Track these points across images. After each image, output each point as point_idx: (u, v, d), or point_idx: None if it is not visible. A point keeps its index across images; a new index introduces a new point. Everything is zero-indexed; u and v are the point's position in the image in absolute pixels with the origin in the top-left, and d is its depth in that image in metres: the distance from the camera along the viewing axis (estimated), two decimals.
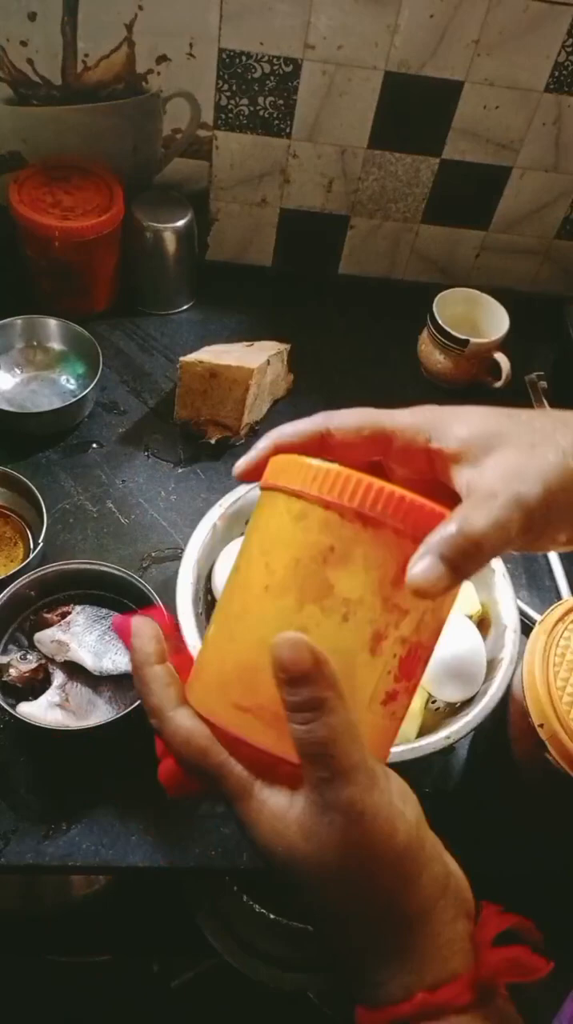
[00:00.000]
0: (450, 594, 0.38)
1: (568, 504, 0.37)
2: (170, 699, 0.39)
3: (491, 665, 0.71)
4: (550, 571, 0.91)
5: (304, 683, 0.34)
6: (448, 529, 0.35)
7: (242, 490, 0.77)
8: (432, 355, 1.03)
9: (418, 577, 0.34)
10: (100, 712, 0.69)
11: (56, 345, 0.96)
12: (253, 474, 0.42)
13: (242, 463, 0.42)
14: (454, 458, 0.38)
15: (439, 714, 0.72)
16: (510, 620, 0.73)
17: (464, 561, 0.34)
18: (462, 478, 0.38)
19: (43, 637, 0.71)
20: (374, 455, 0.41)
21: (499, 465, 0.37)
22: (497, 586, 0.75)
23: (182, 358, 0.90)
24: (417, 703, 0.69)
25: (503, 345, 1.01)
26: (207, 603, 0.74)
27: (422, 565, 0.34)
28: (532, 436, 0.38)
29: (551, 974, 0.37)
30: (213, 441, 0.92)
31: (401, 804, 0.36)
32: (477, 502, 0.36)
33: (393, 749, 0.65)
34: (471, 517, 0.35)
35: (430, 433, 0.39)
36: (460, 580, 0.35)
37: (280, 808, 0.36)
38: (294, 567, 0.36)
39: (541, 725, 0.67)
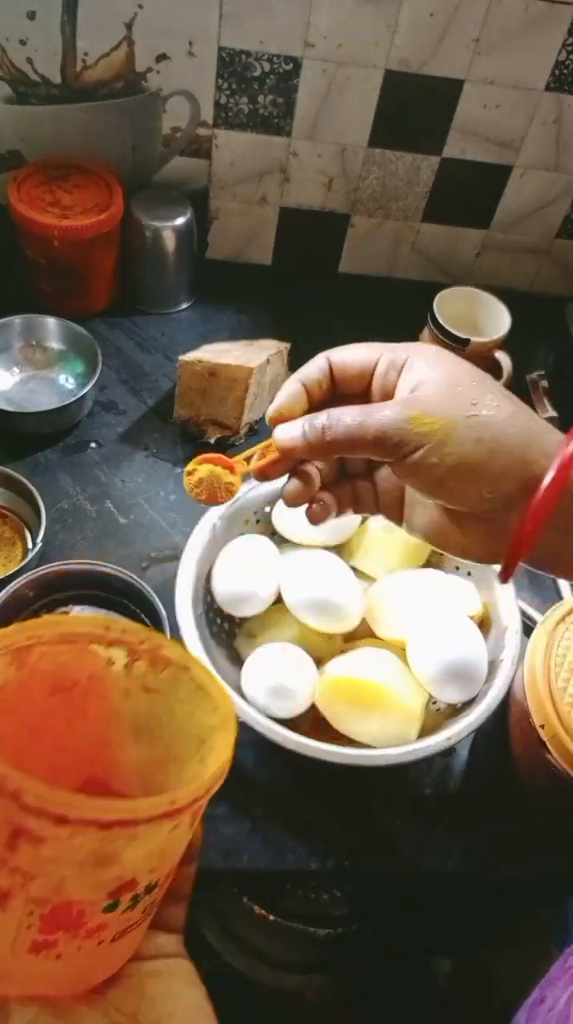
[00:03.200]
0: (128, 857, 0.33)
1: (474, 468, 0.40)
2: None
3: (492, 666, 0.71)
4: None
5: None
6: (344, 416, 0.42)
7: (242, 490, 0.77)
8: None
9: (279, 434, 0.43)
10: None
11: (55, 344, 0.96)
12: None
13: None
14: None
15: (440, 715, 0.72)
16: (511, 621, 0.73)
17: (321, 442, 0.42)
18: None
19: None
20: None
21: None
22: (498, 586, 0.74)
23: (181, 357, 0.89)
24: (418, 704, 0.69)
25: (504, 344, 1.00)
26: (207, 603, 0.74)
27: (288, 428, 0.43)
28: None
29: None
30: (212, 441, 0.92)
31: None
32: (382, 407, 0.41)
33: (393, 751, 0.65)
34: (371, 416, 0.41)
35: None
36: (311, 453, 0.43)
37: None
38: None
39: (542, 726, 0.67)
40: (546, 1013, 0.54)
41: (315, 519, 0.48)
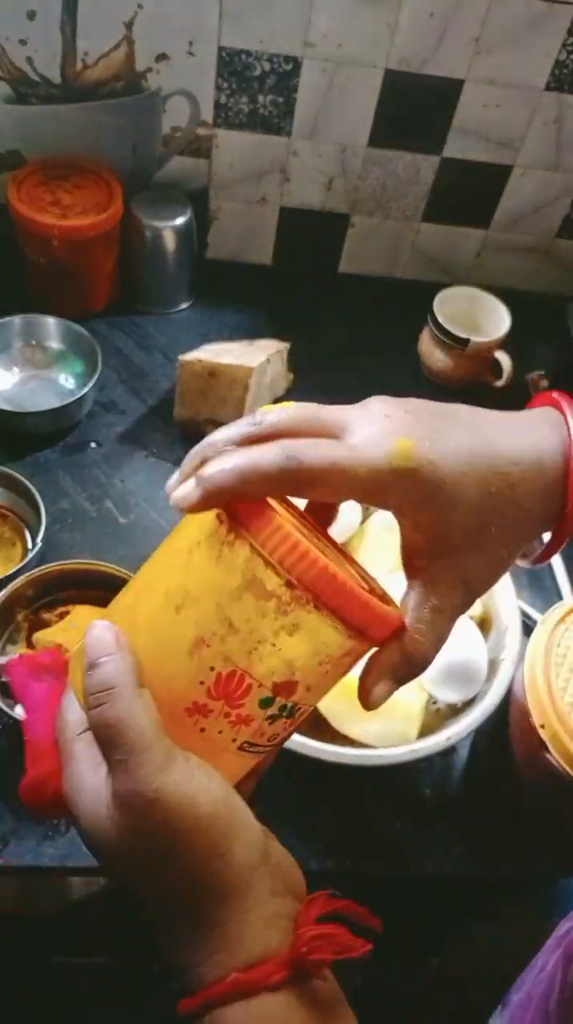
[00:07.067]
0: (322, 660, 0.37)
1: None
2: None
3: (492, 666, 0.71)
4: (551, 571, 0.90)
5: (98, 667, 0.36)
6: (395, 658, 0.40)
7: None
8: (433, 354, 1.03)
9: (374, 696, 0.40)
10: None
11: (55, 344, 0.96)
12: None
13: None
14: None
15: (440, 715, 0.72)
16: (511, 620, 0.73)
17: (407, 676, 0.41)
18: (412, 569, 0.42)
19: (42, 637, 0.71)
20: None
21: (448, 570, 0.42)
22: (498, 587, 0.74)
23: (181, 357, 0.89)
24: (418, 704, 0.69)
25: (504, 344, 1.00)
26: None
27: (378, 691, 0.40)
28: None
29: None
30: None
31: (204, 778, 0.36)
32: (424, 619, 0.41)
33: (393, 751, 0.65)
34: (418, 645, 0.41)
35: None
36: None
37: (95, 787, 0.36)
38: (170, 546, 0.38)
39: (542, 726, 0.67)
40: (537, 974, 0.56)
41: None
